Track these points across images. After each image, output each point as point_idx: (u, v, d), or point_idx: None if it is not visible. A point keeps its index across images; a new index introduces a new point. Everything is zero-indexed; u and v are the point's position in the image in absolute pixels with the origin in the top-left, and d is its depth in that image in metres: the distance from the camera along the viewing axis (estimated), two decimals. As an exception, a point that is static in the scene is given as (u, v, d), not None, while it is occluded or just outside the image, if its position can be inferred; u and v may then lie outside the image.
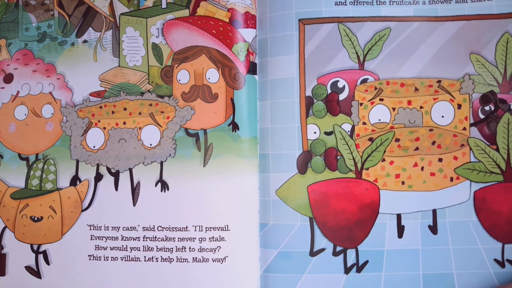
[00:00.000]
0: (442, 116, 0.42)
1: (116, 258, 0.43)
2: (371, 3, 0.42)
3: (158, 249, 0.42)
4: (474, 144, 0.41)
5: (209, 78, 0.43)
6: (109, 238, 0.43)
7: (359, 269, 0.41)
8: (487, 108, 0.42)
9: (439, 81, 0.42)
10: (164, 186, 0.42)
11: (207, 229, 0.42)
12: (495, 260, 0.41)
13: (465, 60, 0.42)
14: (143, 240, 0.42)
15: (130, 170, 0.43)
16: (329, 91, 0.42)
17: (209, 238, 0.42)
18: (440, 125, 0.42)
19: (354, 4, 0.42)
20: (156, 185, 0.42)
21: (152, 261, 0.42)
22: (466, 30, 0.42)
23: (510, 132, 0.41)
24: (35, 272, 0.44)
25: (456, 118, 0.42)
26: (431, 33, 0.42)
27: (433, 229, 0.41)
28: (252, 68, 0.43)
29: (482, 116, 0.42)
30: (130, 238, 0.43)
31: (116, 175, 0.43)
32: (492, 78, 0.42)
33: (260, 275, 0.42)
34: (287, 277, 0.41)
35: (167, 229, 0.42)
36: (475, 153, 0.41)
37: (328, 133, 0.42)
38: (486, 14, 0.42)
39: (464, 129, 0.42)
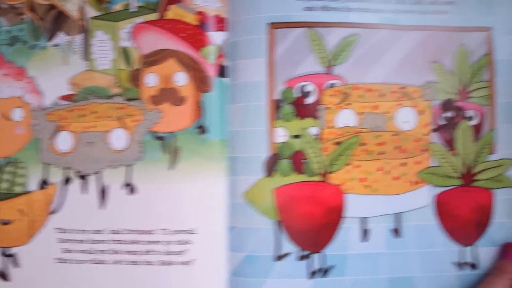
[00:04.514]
0: (406, 122, 0.42)
1: (83, 262, 0.43)
2: (340, 9, 0.43)
3: (125, 252, 0.42)
4: (435, 149, 0.42)
5: (177, 82, 0.43)
6: (77, 242, 0.43)
7: (324, 274, 0.42)
8: (447, 115, 0.43)
9: (403, 88, 0.43)
10: (132, 189, 0.42)
11: (174, 232, 0.42)
12: (456, 262, 0.42)
13: (427, 68, 0.43)
14: (111, 243, 0.42)
15: (98, 173, 0.43)
16: (297, 95, 0.43)
17: (176, 241, 0.42)
18: (403, 130, 0.43)
19: (323, 10, 0.43)
20: (124, 188, 0.43)
21: (119, 264, 0.42)
22: (427, 40, 0.43)
23: (468, 138, 0.43)
24: (4, 275, 0.43)
25: (418, 124, 0.43)
26: (396, 41, 0.43)
27: (397, 232, 0.42)
28: (222, 71, 0.43)
29: (442, 123, 0.43)
30: (97, 241, 0.43)
31: (84, 179, 0.43)
32: (451, 86, 0.43)
33: (228, 278, 0.42)
34: (253, 281, 0.41)
35: (134, 232, 0.42)
36: (436, 158, 0.42)
37: (295, 137, 0.43)
38: (444, 26, 0.43)
39: (426, 134, 0.43)
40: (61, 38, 0.45)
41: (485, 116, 0.43)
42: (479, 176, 0.43)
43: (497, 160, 0.43)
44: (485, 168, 0.43)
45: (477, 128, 0.43)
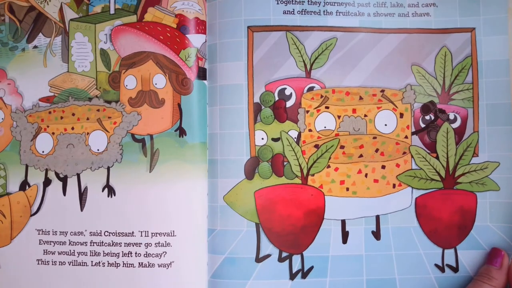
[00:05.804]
0: (385, 125, 0.42)
1: (64, 263, 0.43)
2: (318, 13, 0.43)
3: (105, 254, 0.42)
4: (415, 152, 0.42)
5: (156, 84, 0.43)
6: (57, 243, 0.43)
7: (304, 275, 0.42)
8: (427, 117, 0.43)
9: (382, 91, 0.43)
10: (111, 191, 0.42)
11: (153, 234, 0.42)
12: (436, 265, 0.42)
13: (407, 71, 0.43)
14: (90, 245, 0.43)
15: (78, 175, 0.43)
16: (277, 98, 0.43)
17: (155, 244, 0.42)
18: (383, 133, 0.42)
19: (302, 14, 0.43)
20: (103, 190, 0.43)
21: (99, 266, 0.42)
22: (407, 43, 0.43)
23: (449, 141, 0.42)
24: (-15, 276, 0.43)
25: (398, 127, 0.43)
26: (375, 44, 0.43)
27: (376, 234, 0.42)
28: (201, 74, 0.43)
29: (422, 125, 0.43)
30: (77, 243, 0.43)
31: (64, 180, 0.43)
32: (432, 89, 0.43)
33: (208, 280, 0.42)
34: (234, 283, 0.41)
35: (113, 234, 0.42)
36: (416, 160, 0.42)
37: (275, 140, 0.43)
38: (425, 29, 0.43)
39: (406, 137, 0.43)
40: (40, 40, 0.44)
41: (467, 118, 0.43)
42: (462, 179, 0.42)
43: (481, 163, 0.43)
44: (468, 170, 0.42)
45: (460, 131, 0.43)
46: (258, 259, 0.42)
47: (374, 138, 0.42)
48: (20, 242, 0.43)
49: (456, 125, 0.43)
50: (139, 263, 0.42)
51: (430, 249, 0.42)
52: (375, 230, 0.42)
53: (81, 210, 0.43)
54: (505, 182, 0.42)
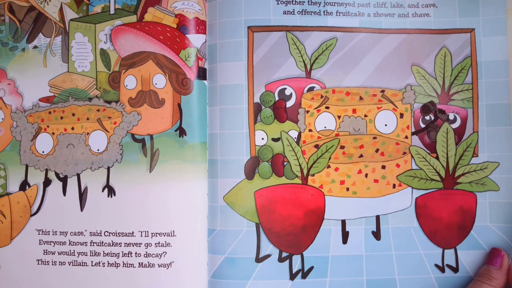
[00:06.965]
0: (386, 125, 0.42)
1: (64, 263, 0.43)
2: (319, 13, 0.43)
3: (105, 254, 0.42)
4: (415, 152, 0.42)
5: (156, 84, 0.43)
6: (57, 243, 0.43)
7: (304, 275, 0.42)
8: (427, 117, 0.43)
9: (382, 91, 0.43)
10: (111, 191, 0.42)
11: (153, 234, 0.42)
12: (436, 265, 0.42)
13: (407, 71, 0.43)
14: (90, 245, 0.43)
15: (78, 175, 0.43)
16: (277, 98, 0.43)
17: (155, 244, 0.42)
18: (383, 133, 0.43)
19: (302, 14, 0.43)
20: (103, 190, 0.43)
21: (99, 266, 0.42)
22: (407, 43, 0.43)
23: (449, 141, 0.43)
24: (-16, 276, 0.43)
25: (398, 127, 0.43)
26: (375, 44, 0.43)
27: (377, 235, 0.42)
28: (201, 74, 0.43)
29: (422, 125, 0.43)
30: (77, 243, 0.43)
31: (64, 180, 0.43)
32: (431, 89, 0.43)
33: (208, 280, 0.42)
34: (234, 283, 0.41)
35: (113, 234, 0.42)
36: (416, 161, 0.42)
37: (275, 140, 0.43)
38: (425, 29, 0.43)
39: (406, 137, 0.43)
40: (40, 40, 0.44)
41: (467, 118, 0.43)
42: (462, 179, 0.42)
43: (481, 163, 0.43)
44: (468, 171, 0.43)
45: (459, 131, 0.43)
46: (258, 259, 0.42)
47: (374, 138, 0.42)
48: (20, 242, 0.43)
49: (456, 125, 0.43)
50: (139, 263, 0.42)
51: (430, 249, 0.42)
52: (375, 230, 0.42)
53: (81, 210, 0.43)
54: (504, 182, 0.42)
